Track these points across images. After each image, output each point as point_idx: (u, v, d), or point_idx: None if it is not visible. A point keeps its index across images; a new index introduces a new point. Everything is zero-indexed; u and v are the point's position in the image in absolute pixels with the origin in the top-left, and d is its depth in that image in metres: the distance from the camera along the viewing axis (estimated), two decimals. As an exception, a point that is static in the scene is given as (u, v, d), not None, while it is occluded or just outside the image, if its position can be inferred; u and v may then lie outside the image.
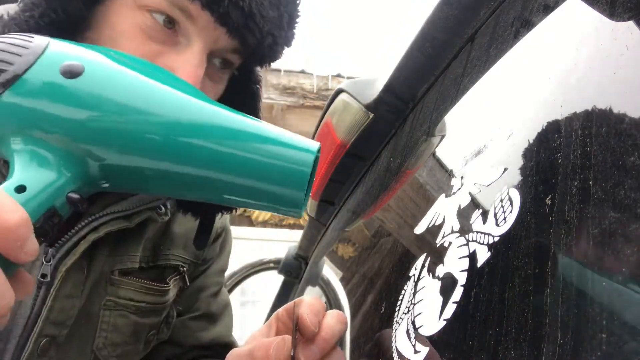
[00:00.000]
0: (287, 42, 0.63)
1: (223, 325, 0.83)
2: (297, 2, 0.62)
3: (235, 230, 0.89)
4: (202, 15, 0.53)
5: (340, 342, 0.62)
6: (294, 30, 0.63)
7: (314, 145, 0.40)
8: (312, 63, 4.26)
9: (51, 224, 0.35)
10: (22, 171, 0.36)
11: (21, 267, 0.56)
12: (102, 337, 0.63)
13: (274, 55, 0.62)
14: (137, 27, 0.52)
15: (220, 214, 0.71)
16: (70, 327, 0.59)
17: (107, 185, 0.40)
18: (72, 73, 0.37)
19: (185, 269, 0.74)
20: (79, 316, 0.60)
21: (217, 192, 0.40)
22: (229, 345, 0.80)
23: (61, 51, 0.38)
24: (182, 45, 0.54)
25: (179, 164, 0.38)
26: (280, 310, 0.50)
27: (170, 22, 0.53)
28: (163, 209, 0.69)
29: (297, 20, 0.63)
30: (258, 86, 0.71)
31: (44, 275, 0.55)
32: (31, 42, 0.38)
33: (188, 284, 0.75)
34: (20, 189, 0.34)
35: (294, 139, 0.40)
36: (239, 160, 0.38)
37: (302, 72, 4.18)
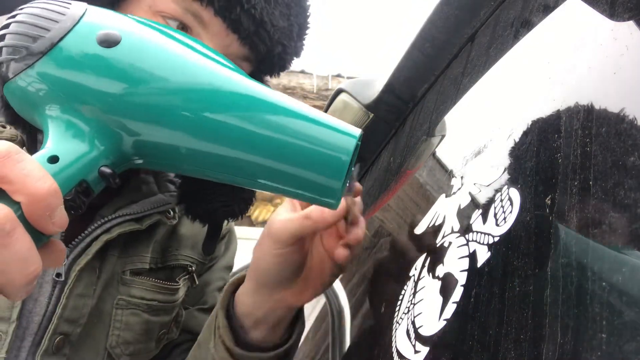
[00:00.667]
0: (297, 52, 0.64)
1: None
2: (308, 13, 0.63)
3: (236, 230, 0.90)
4: (214, 21, 0.54)
5: (340, 342, 0.62)
6: (304, 42, 0.64)
7: (356, 130, 0.37)
8: (312, 63, 4.26)
9: (82, 199, 0.34)
10: (56, 141, 0.35)
11: None
12: (115, 335, 0.64)
13: (283, 64, 0.64)
14: None
15: (226, 222, 0.73)
16: (83, 326, 0.60)
17: (140, 161, 0.39)
18: (109, 42, 0.35)
19: (193, 268, 0.75)
20: (91, 315, 0.62)
21: (250, 176, 0.38)
22: None
23: (98, 19, 0.37)
24: None
25: (214, 143, 0.36)
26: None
27: (183, 28, 0.54)
28: (172, 212, 0.71)
29: (307, 32, 0.64)
30: None
31: (58, 275, 0.57)
32: (68, 8, 0.36)
33: (197, 282, 0.77)
34: (53, 159, 0.33)
35: (334, 121, 0.37)
36: (277, 140, 0.36)
37: (302, 72, 4.18)
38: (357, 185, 0.46)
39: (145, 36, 0.37)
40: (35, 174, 0.30)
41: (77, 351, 0.61)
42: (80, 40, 0.35)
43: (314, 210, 0.45)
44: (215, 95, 0.36)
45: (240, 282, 0.54)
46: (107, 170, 0.36)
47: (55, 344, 0.57)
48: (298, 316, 0.54)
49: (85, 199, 0.35)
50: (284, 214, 0.49)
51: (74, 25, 0.36)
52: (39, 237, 0.31)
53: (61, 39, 0.35)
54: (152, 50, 0.36)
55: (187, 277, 0.74)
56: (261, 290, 0.50)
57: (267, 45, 0.58)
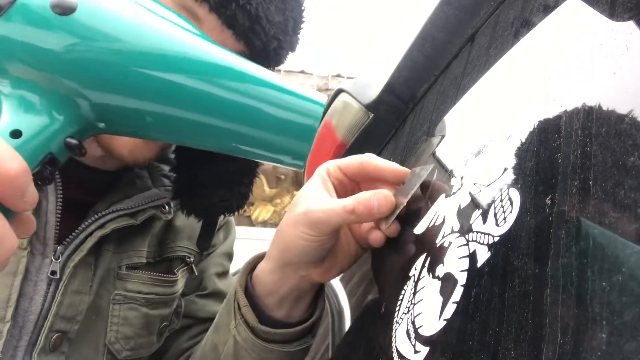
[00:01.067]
0: (292, 47, 0.64)
1: None
2: (302, 7, 0.63)
3: (236, 231, 0.90)
4: (209, 18, 0.54)
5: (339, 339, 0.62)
6: (299, 36, 0.64)
7: (322, 97, 0.38)
8: (312, 63, 4.27)
9: (49, 169, 0.34)
10: (14, 115, 0.34)
11: (31, 265, 0.57)
12: (114, 331, 0.64)
13: (279, 59, 0.63)
14: None
15: (222, 216, 0.72)
16: (80, 323, 0.60)
17: (103, 126, 0.38)
18: (63, 8, 0.34)
19: (191, 259, 0.74)
20: (89, 312, 0.61)
21: (220, 140, 0.38)
22: None
23: None
24: None
25: (180, 108, 0.36)
26: (331, 167, 0.49)
27: None
28: (167, 207, 0.70)
29: (302, 26, 0.63)
30: None
31: (53, 273, 0.57)
32: None
33: (196, 273, 0.76)
34: (16, 133, 0.33)
35: (302, 89, 0.38)
36: (246, 106, 0.36)
37: (302, 72, 4.18)
38: (439, 184, 0.43)
39: (105, 4, 0.36)
40: (4, 154, 0.29)
41: (76, 349, 0.60)
42: (31, 5, 0.34)
43: (360, 205, 0.44)
44: (174, 59, 0.35)
45: (256, 262, 0.54)
46: (73, 141, 0.35)
47: (52, 342, 0.57)
48: (320, 291, 0.54)
49: (52, 169, 0.34)
50: (323, 200, 0.46)
51: None
52: (10, 213, 0.31)
53: (11, 3, 0.34)
54: (110, 15, 0.35)
55: (185, 268, 0.73)
56: (285, 269, 0.49)
57: (263, 41, 0.57)
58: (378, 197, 0.44)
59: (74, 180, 0.61)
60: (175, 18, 0.38)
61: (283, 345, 0.51)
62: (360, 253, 0.51)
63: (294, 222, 0.47)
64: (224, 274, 0.84)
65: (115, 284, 0.64)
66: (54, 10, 0.34)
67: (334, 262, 0.50)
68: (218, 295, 0.81)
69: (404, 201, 0.44)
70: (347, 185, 0.50)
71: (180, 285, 0.72)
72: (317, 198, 0.47)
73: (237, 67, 0.37)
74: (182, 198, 0.68)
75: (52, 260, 0.57)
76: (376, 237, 0.47)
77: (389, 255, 0.53)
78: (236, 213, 0.73)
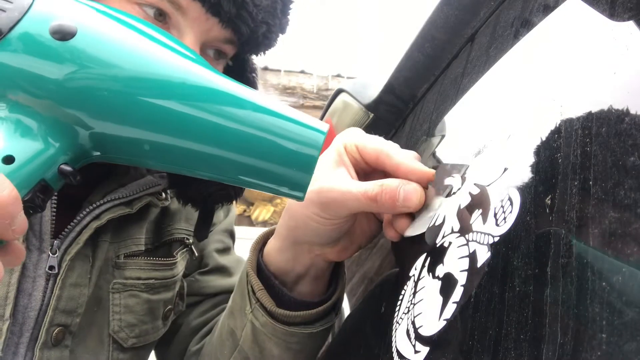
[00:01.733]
0: (282, 29, 0.61)
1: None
2: None
3: (236, 231, 0.89)
4: (192, 6, 0.52)
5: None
6: (288, 17, 0.61)
7: (324, 125, 0.37)
8: (312, 63, 4.27)
9: (41, 197, 0.33)
10: (8, 140, 0.33)
11: (29, 261, 0.56)
12: (116, 319, 0.63)
13: (269, 43, 0.61)
14: None
15: (220, 205, 0.71)
16: (82, 316, 0.59)
17: (98, 154, 0.37)
18: (63, 33, 0.34)
19: (190, 240, 0.73)
20: (90, 304, 0.61)
21: (217, 170, 0.37)
22: None
23: (51, 8, 0.34)
24: None
25: (179, 137, 0.35)
26: (349, 142, 0.44)
27: (161, 15, 0.52)
28: (164, 195, 0.69)
29: (291, 6, 0.61)
30: (254, 75, 0.70)
31: (51, 267, 0.56)
32: None
33: (196, 254, 0.74)
34: (8, 159, 0.32)
35: (303, 117, 0.37)
36: (246, 135, 0.35)
37: (302, 72, 4.18)
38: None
39: (103, 28, 0.35)
40: None
41: (80, 341, 0.60)
42: (31, 30, 0.33)
43: (384, 194, 0.40)
44: (173, 87, 0.35)
45: (265, 238, 0.51)
46: (67, 168, 0.35)
47: (53, 336, 0.56)
48: (339, 266, 0.52)
49: (45, 197, 0.34)
50: (339, 179, 0.42)
51: (24, 15, 0.33)
52: None
53: (10, 29, 0.33)
54: (110, 42, 0.35)
55: (185, 250, 0.72)
56: (297, 247, 0.47)
57: (251, 27, 0.55)
58: (406, 189, 0.39)
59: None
60: (172, 43, 0.38)
61: (305, 327, 0.49)
62: (380, 229, 0.47)
63: (305, 200, 0.42)
64: (225, 250, 0.82)
65: (114, 273, 0.63)
66: (54, 37, 0.33)
67: (351, 240, 0.47)
68: (221, 270, 0.79)
69: (437, 199, 0.39)
70: (363, 166, 0.45)
71: (180, 268, 0.71)
72: (332, 176, 0.43)
73: (237, 94, 0.36)
74: (178, 187, 0.67)
75: (49, 255, 0.56)
76: (402, 225, 0.43)
77: (389, 255, 0.53)
78: (234, 202, 0.72)
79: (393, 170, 0.42)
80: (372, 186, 0.40)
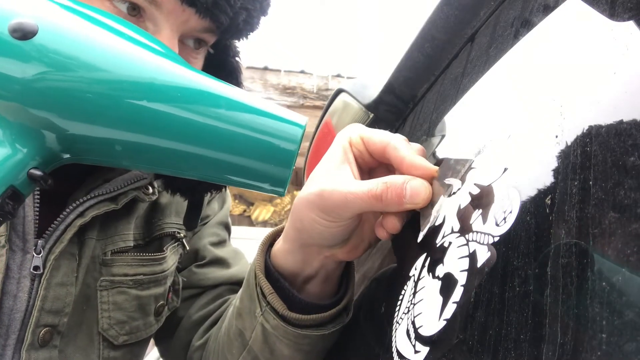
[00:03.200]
0: (263, 11, 0.59)
1: (240, 266, 0.79)
2: None
3: (235, 230, 0.88)
4: None
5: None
6: None
7: (302, 118, 0.36)
8: (312, 63, 4.27)
9: (11, 204, 0.32)
10: None
11: (12, 262, 0.55)
12: (105, 317, 0.62)
13: (251, 28, 0.59)
14: None
15: (209, 194, 0.69)
16: (70, 315, 0.58)
17: (68, 156, 0.36)
18: (23, 32, 0.32)
19: (182, 234, 0.72)
20: (78, 303, 0.59)
21: (193, 168, 0.36)
22: None
23: (11, 5, 0.33)
24: (149, 32, 0.51)
25: (151, 135, 0.34)
26: (354, 136, 0.43)
27: (135, 9, 0.50)
28: (150, 189, 0.67)
29: None
30: (237, 58, 0.68)
31: (36, 268, 0.55)
32: None
33: (187, 248, 0.73)
34: None
35: (280, 111, 0.35)
36: (221, 131, 0.34)
37: (302, 72, 4.18)
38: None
39: (67, 25, 0.34)
40: None
41: (70, 341, 0.59)
42: None
43: (390, 192, 0.38)
44: (144, 85, 0.33)
45: (273, 239, 0.51)
46: (37, 172, 0.34)
47: (40, 337, 0.55)
48: (349, 266, 0.51)
49: (15, 204, 0.33)
50: (342, 179, 0.41)
51: None
52: None
53: None
54: (75, 40, 0.33)
55: (176, 244, 0.71)
56: (306, 250, 0.46)
57: (229, 15, 0.53)
58: (413, 186, 0.38)
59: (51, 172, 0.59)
60: (143, 39, 0.36)
61: (317, 329, 0.48)
62: None
63: (308, 203, 0.42)
64: (220, 243, 0.80)
65: (101, 270, 0.62)
66: (13, 35, 0.32)
67: (361, 238, 0.46)
68: (219, 262, 0.77)
69: (443, 195, 0.37)
70: (368, 161, 0.44)
71: (170, 263, 0.69)
72: (335, 176, 0.41)
73: (212, 90, 0.34)
74: (165, 177, 0.65)
75: (33, 255, 0.55)
76: (382, 233, 0.42)
77: (389, 255, 0.53)
78: (224, 189, 0.70)
79: (397, 164, 0.41)
80: (376, 184, 0.39)
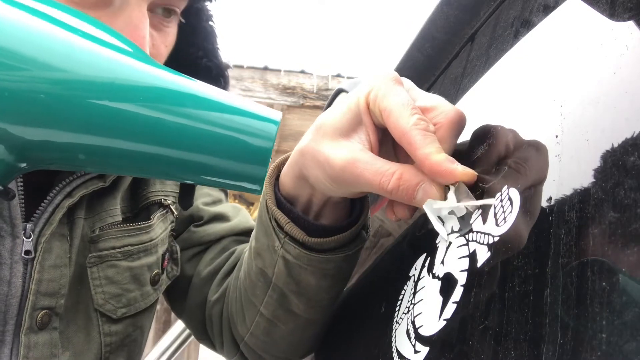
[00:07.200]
0: None
1: (241, 217, 0.78)
2: None
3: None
4: None
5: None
6: None
7: (276, 114, 0.34)
8: (312, 63, 4.27)
9: None
10: None
11: (2, 248, 0.54)
12: (99, 292, 0.61)
13: None
14: None
15: None
16: (67, 296, 0.58)
17: (25, 165, 0.33)
18: None
19: (170, 201, 0.70)
20: (73, 283, 0.59)
21: (163, 170, 0.34)
22: None
23: None
24: (116, 4, 0.48)
25: (115, 138, 0.31)
26: (372, 103, 0.38)
27: None
28: None
29: None
30: (211, 22, 0.66)
31: (27, 252, 0.54)
32: None
33: (175, 212, 0.72)
34: None
35: (253, 107, 0.34)
36: (189, 131, 0.31)
37: (302, 72, 4.18)
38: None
39: (12, 19, 0.31)
40: None
41: (69, 321, 0.59)
42: None
43: (400, 190, 0.36)
44: (104, 81, 0.31)
45: (277, 172, 0.49)
46: None
47: (38, 320, 0.55)
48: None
49: None
50: (352, 150, 0.38)
51: None
52: None
53: None
54: (22, 36, 0.30)
55: (164, 211, 0.70)
56: (313, 191, 0.45)
57: None
58: (426, 190, 0.36)
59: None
60: (103, 33, 0.33)
61: (341, 250, 0.47)
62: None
63: (316, 162, 0.40)
64: (215, 202, 0.79)
65: (90, 248, 0.61)
66: None
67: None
68: (218, 218, 0.76)
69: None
70: (384, 130, 0.40)
71: (159, 231, 0.68)
72: (348, 145, 0.39)
73: (178, 87, 0.32)
74: None
75: (23, 239, 0.54)
76: (391, 216, 0.40)
77: (389, 255, 0.53)
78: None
79: (417, 162, 0.36)
80: (388, 177, 0.36)
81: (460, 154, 0.38)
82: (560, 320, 0.23)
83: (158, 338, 1.22)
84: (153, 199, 0.68)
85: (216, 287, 0.71)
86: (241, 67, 3.97)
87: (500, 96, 0.41)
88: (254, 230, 0.54)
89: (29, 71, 0.30)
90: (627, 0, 0.28)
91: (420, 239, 0.43)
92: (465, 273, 0.31)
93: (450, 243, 0.35)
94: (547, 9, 0.38)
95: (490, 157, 0.35)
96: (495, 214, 0.31)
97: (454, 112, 0.38)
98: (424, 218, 0.43)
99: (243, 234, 0.76)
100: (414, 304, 0.36)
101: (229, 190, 0.85)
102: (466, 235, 0.33)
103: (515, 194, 0.30)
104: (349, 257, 0.48)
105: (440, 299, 0.33)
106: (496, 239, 0.30)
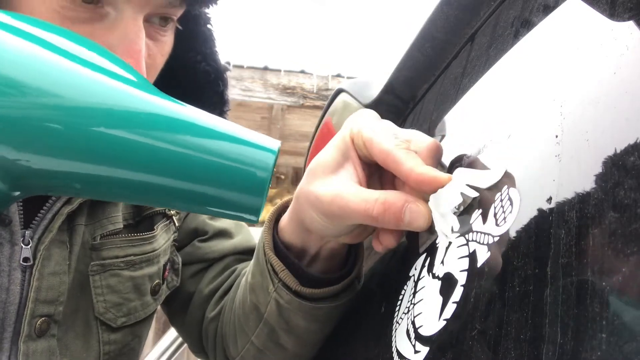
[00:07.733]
0: None
1: (243, 235, 0.79)
2: None
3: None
4: None
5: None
6: None
7: (274, 143, 0.34)
8: (312, 63, 4.26)
9: None
10: None
11: (1, 255, 0.53)
12: (101, 301, 0.61)
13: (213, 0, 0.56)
14: (54, 12, 0.45)
15: None
16: (66, 303, 0.57)
17: (18, 194, 0.33)
18: None
19: (172, 212, 0.70)
20: (72, 290, 0.59)
21: (158, 199, 0.34)
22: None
23: None
24: (110, 17, 0.47)
25: (112, 166, 0.31)
26: (356, 136, 0.40)
27: (91, 2, 0.46)
28: None
29: None
30: (209, 26, 0.65)
31: (26, 259, 0.54)
32: None
33: (176, 224, 0.72)
34: None
35: (251, 135, 0.33)
36: (185, 160, 0.31)
37: (302, 72, 4.18)
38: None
39: (7, 44, 0.30)
40: None
41: (68, 329, 0.59)
42: None
43: (386, 215, 0.37)
44: (104, 111, 0.30)
45: (277, 216, 0.51)
46: None
47: (36, 327, 0.54)
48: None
49: None
50: (339, 185, 0.39)
51: None
52: None
53: None
54: (18, 62, 0.29)
55: (167, 222, 0.70)
56: (311, 235, 0.46)
57: None
58: (412, 210, 0.36)
59: None
60: (100, 59, 0.33)
61: (331, 300, 0.49)
62: None
63: (308, 202, 0.41)
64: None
65: (92, 255, 0.61)
66: None
67: (365, 226, 0.44)
68: (222, 234, 0.77)
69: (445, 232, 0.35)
70: (373, 161, 0.41)
71: (161, 241, 0.68)
72: (335, 180, 0.40)
73: (177, 115, 0.32)
74: None
75: (22, 246, 0.53)
76: (378, 246, 0.42)
77: (389, 255, 0.53)
78: None
79: (403, 179, 0.38)
80: (373, 204, 0.37)
81: None
82: (560, 320, 0.23)
83: (158, 338, 1.22)
84: (157, 209, 0.68)
85: (214, 305, 0.72)
86: (241, 67, 3.97)
87: (500, 96, 0.41)
88: (251, 264, 0.55)
89: (25, 98, 0.29)
90: (627, 0, 0.28)
91: (421, 239, 0.43)
92: (465, 273, 0.31)
93: (450, 243, 0.35)
94: (547, 9, 0.38)
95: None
96: (495, 214, 0.31)
97: (432, 141, 0.40)
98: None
99: (245, 253, 0.77)
100: (414, 304, 0.36)
101: None
102: (466, 235, 0.33)
103: (515, 194, 0.30)
104: (339, 306, 0.50)
105: (440, 299, 0.33)
106: (496, 239, 0.30)
